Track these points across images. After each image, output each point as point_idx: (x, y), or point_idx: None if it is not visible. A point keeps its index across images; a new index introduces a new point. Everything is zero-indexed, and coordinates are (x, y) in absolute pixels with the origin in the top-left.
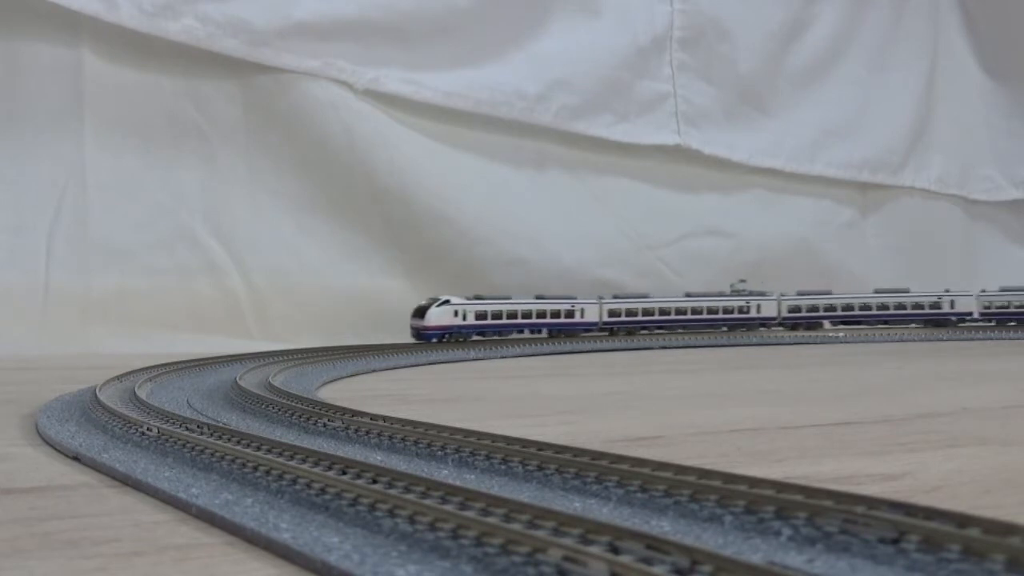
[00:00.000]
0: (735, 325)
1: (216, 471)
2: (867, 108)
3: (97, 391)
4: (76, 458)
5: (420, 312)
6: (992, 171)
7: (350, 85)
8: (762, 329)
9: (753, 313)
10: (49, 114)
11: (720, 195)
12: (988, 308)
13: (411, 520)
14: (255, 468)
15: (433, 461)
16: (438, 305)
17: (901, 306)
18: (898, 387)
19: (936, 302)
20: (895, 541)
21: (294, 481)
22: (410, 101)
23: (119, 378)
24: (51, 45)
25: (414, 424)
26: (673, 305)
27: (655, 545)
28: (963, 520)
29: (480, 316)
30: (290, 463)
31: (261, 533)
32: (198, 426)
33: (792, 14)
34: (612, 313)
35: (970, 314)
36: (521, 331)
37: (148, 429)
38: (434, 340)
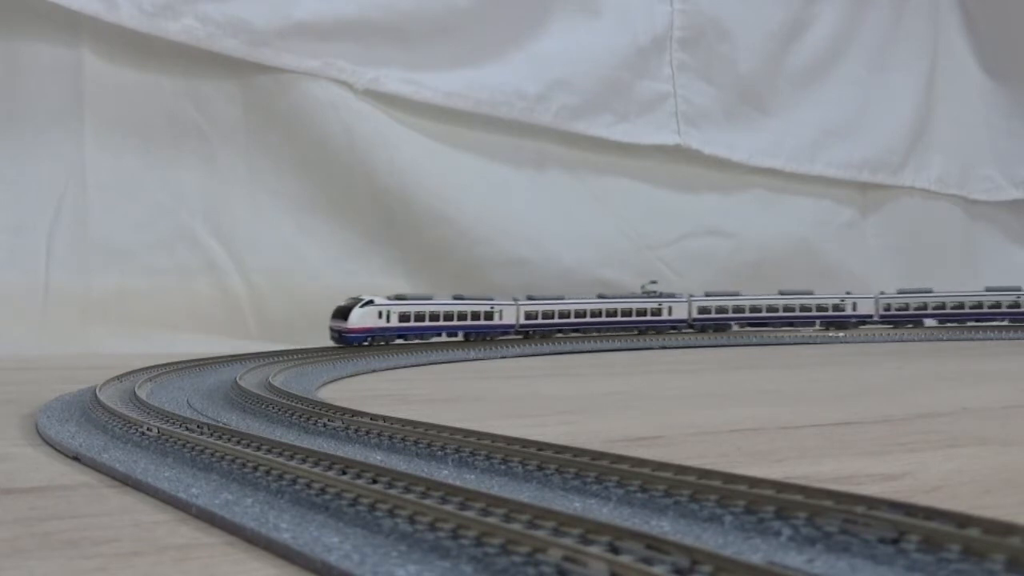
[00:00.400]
0: (647, 327)
1: (216, 471)
2: (867, 108)
3: (97, 391)
4: (76, 458)
5: (342, 313)
6: (992, 171)
7: (350, 85)
8: (672, 331)
9: (665, 315)
10: (49, 114)
11: (720, 195)
12: (888, 310)
13: (411, 520)
14: (255, 468)
15: (433, 461)
16: (362, 305)
17: (806, 308)
18: (898, 387)
19: (839, 304)
20: (895, 541)
21: (294, 481)
22: (410, 101)
23: (119, 378)
24: (51, 45)
25: (414, 424)
26: (588, 307)
27: (655, 545)
28: (963, 520)
29: (404, 318)
30: (290, 463)
31: (261, 533)
32: (198, 426)
33: (792, 14)
34: (529, 315)
35: (871, 316)
36: (439, 334)
37: (148, 429)
38: (357, 344)
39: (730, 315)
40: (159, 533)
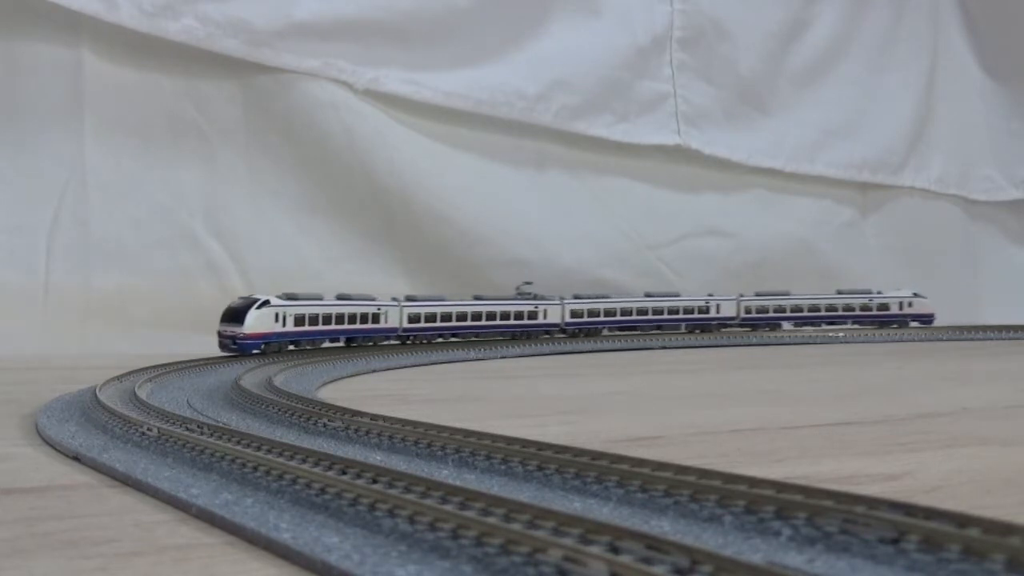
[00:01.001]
0: (520, 331)
1: (216, 471)
2: (867, 108)
3: (97, 391)
4: (76, 458)
5: (235, 315)
6: (992, 171)
7: (350, 85)
8: (545, 336)
9: (540, 319)
10: (49, 114)
11: (720, 195)
12: (749, 312)
13: (411, 520)
14: (255, 468)
15: (433, 461)
16: (258, 307)
17: (673, 310)
18: (898, 387)
19: (704, 306)
20: (895, 541)
21: (294, 481)
22: (410, 101)
23: (119, 378)
24: (51, 45)
25: (414, 424)
26: (469, 309)
27: (655, 545)
28: (963, 520)
29: (299, 321)
30: (290, 463)
31: (261, 533)
32: (198, 426)
33: (792, 14)
34: (412, 318)
35: (733, 318)
36: (336, 339)
37: (148, 429)
38: (249, 352)
39: (601, 319)
40: (159, 533)
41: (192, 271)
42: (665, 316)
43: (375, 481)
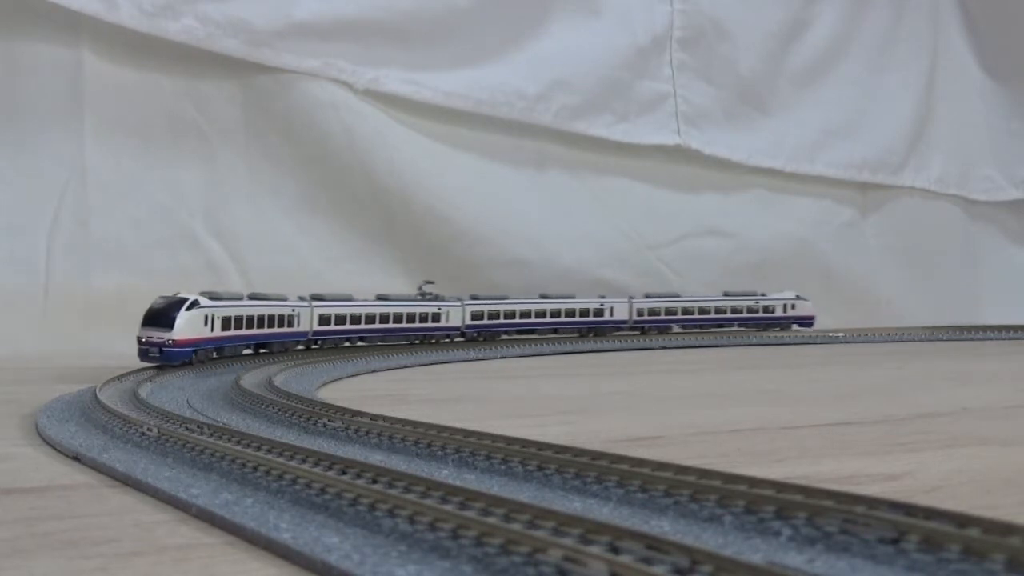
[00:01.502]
0: (420, 336)
1: (216, 471)
2: (867, 108)
3: (97, 391)
4: (76, 458)
5: (161, 318)
6: (992, 171)
7: (350, 85)
8: (446, 340)
9: (443, 322)
10: (49, 114)
11: (720, 195)
12: (640, 315)
13: (411, 520)
14: (255, 468)
15: (433, 461)
16: (188, 308)
17: (570, 312)
18: (898, 387)
19: (599, 309)
20: (895, 541)
21: (294, 481)
22: (410, 101)
23: (119, 378)
24: (51, 45)
25: (414, 424)
26: (377, 311)
27: (655, 545)
28: (963, 520)
29: (225, 324)
30: (290, 463)
31: (261, 533)
32: (198, 426)
33: (792, 14)
34: (323, 320)
35: (625, 322)
36: (245, 347)
37: (148, 429)
38: (179, 363)
39: (501, 321)
40: (159, 533)
41: (192, 271)
42: (562, 319)
43: (375, 481)
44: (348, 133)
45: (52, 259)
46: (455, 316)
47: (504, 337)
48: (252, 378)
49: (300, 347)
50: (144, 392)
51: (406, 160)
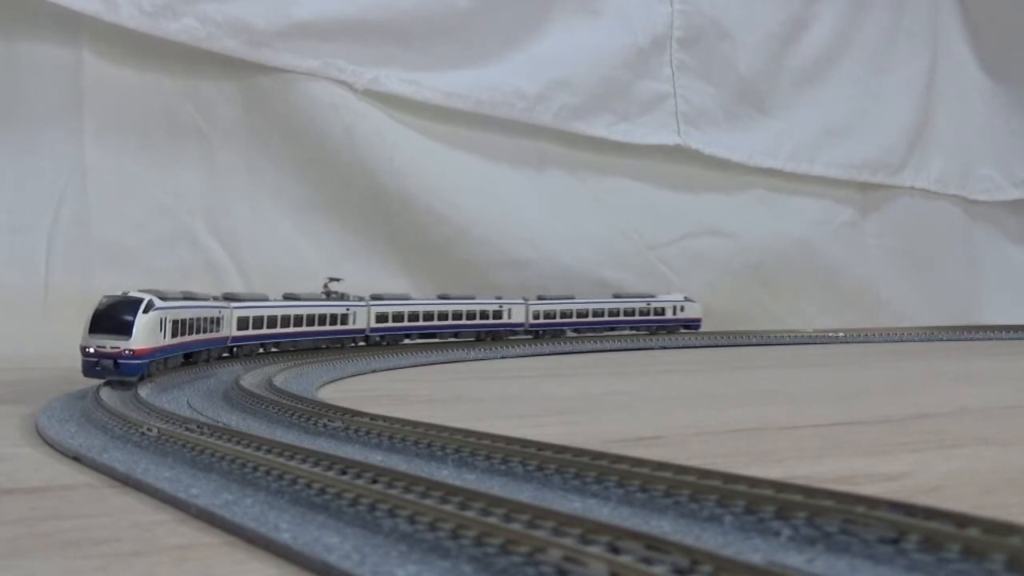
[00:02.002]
0: (329, 340)
1: (216, 471)
2: (867, 108)
3: (97, 391)
4: (76, 458)
5: (114, 323)
6: (992, 171)
7: (350, 85)
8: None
9: (351, 324)
10: (49, 114)
11: (720, 195)
12: (537, 318)
13: (411, 520)
14: (255, 468)
15: (433, 461)
16: (145, 310)
17: (471, 315)
18: (898, 387)
19: (498, 310)
20: (895, 541)
21: (294, 481)
22: (410, 101)
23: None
24: (51, 45)
25: (414, 424)
26: (292, 313)
27: (655, 545)
28: (963, 520)
29: (175, 329)
30: (290, 463)
31: (261, 533)
32: (198, 426)
33: (792, 14)
34: (241, 323)
35: (522, 324)
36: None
37: (148, 429)
38: (134, 377)
39: (405, 323)
40: (159, 533)
41: (192, 271)
42: (463, 321)
43: (375, 481)
44: (348, 133)
45: (52, 259)
46: (361, 318)
47: (407, 342)
48: (252, 378)
49: (226, 354)
50: (144, 392)
51: (406, 160)
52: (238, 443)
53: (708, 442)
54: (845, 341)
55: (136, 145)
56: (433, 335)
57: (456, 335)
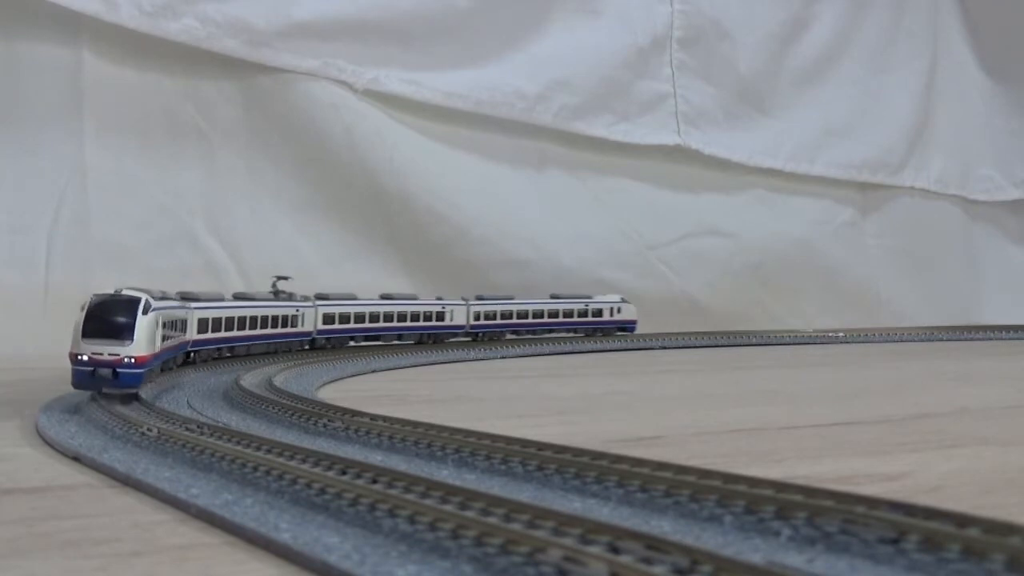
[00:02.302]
0: (277, 344)
1: (216, 471)
2: (867, 108)
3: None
4: (76, 458)
5: (110, 327)
6: (992, 171)
7: (350, 85)
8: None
9: (299, 326)
10: (49, 114)
11: (720, 195)
12: (478, 319)
13: (411, 520)
14: (255, 468)
15: (433, 461)
16: (145, 311)
17: (415, 316)
18: (898, 387)
19: (441, 312)
20: (895, 541)
21: (294, 481)
22: (410, 101)
23: None
24: (51, 45)
25: (414, 424)
26: (247, 314)
27: (655, 545)
28: (963, 520)
29: (167, 332)
30: (290, 463)
31: (261, 533)
32: (198, 426)
33: (792, 14)
34: (201, 326)
35: (463, 326)
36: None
37: (148, 429)
38: (132, 388)
39: (351, 325)
40: (159, 533)
41: (192, 271)
42: (408, 323)
43: (375, 481)
44: (348, 133)
45: (52, 259)
46: (308, 319)
47: (352, 345)
48: (252, 378)
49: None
50: (144, 392)
51: (406, 160)
52: (238, 443)
53: (708, 442)
54: (845, 341)
55: (136, 145)
56: (377, 337)
57: (399, 338)
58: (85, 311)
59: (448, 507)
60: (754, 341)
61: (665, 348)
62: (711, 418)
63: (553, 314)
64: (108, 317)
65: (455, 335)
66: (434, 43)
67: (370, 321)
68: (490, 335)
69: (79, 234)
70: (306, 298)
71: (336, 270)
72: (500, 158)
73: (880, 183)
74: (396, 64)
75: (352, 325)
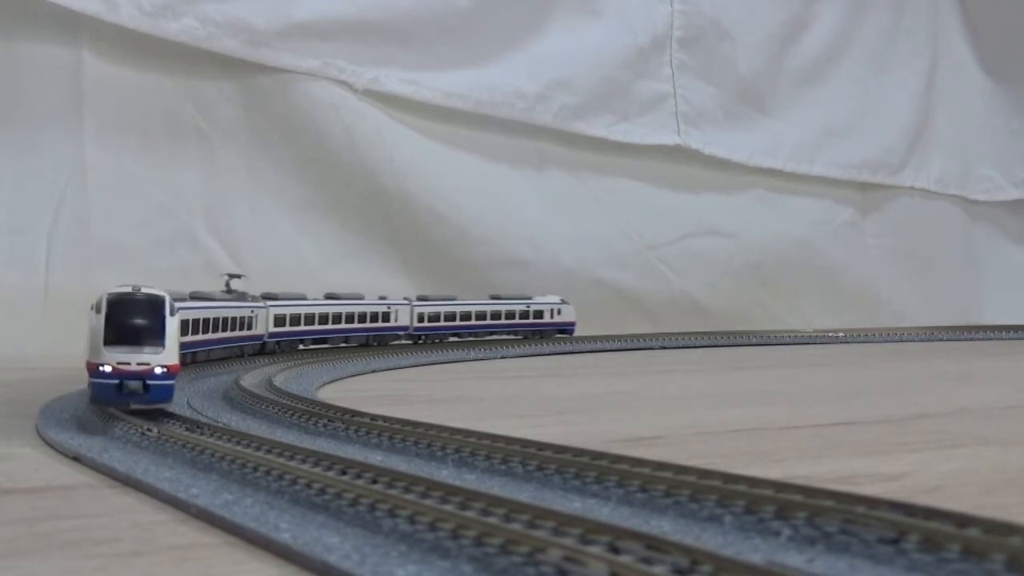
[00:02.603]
0: (231, 348)
1: (216, 471)
2: (867, 108)
3: None
4: (76, 458)
5: (139, 331)
6: (992, 171)
7: (350, 85)
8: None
9: (253, 329)
10: (49, 114)
11: (720, 195)
12: (422, 320)
13: (411, 520)
14: (255, 468)
15: (433, 461)
16: (171, 312)
17: (362, 317)
18: (898, 387)
19: (387, 312)
20: (895, 541)
21: (294, 481)
22: (410, 101)
23: None
24: (51, 45)
25: (414, 424)
26: (211, 316)
27: (655, 545)
28: (963, 520)
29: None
30: (290, 463)
31: (261, 533)
32: (198, 426)
33: (792, 14)
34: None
35: (407, 328)
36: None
37: (148, 429)
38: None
39: (301, 327)
40: (159, 533)
41: (192, 271)
42: (355, 325)
43: (375, 481)
44: (348, 133)
45: (52, 259)
46: (261, 322)
47: (302, 348)
48: (252, 378)
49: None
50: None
51: (406, 160)
52: (238, 443)
53: (708, 442)
54: (845, 341)
55: (136, 145)
56: (324, 340)
57: (347, 340)
58: (104, 313)
59: (448, 507)
60: (754, 341)
61: (665, 348)
62: (711, 418)
63: (496, 315)
64: (134, 320)
65: (398, 336)
66: (434, 43)
67: (319, 323)
68: (432, 338)
69: (79, 234)
70: (255, 298)
71: (336, 270)
72: (500, 158)
73: (880, 183)
74: (396, 64)
75: (302, 327)
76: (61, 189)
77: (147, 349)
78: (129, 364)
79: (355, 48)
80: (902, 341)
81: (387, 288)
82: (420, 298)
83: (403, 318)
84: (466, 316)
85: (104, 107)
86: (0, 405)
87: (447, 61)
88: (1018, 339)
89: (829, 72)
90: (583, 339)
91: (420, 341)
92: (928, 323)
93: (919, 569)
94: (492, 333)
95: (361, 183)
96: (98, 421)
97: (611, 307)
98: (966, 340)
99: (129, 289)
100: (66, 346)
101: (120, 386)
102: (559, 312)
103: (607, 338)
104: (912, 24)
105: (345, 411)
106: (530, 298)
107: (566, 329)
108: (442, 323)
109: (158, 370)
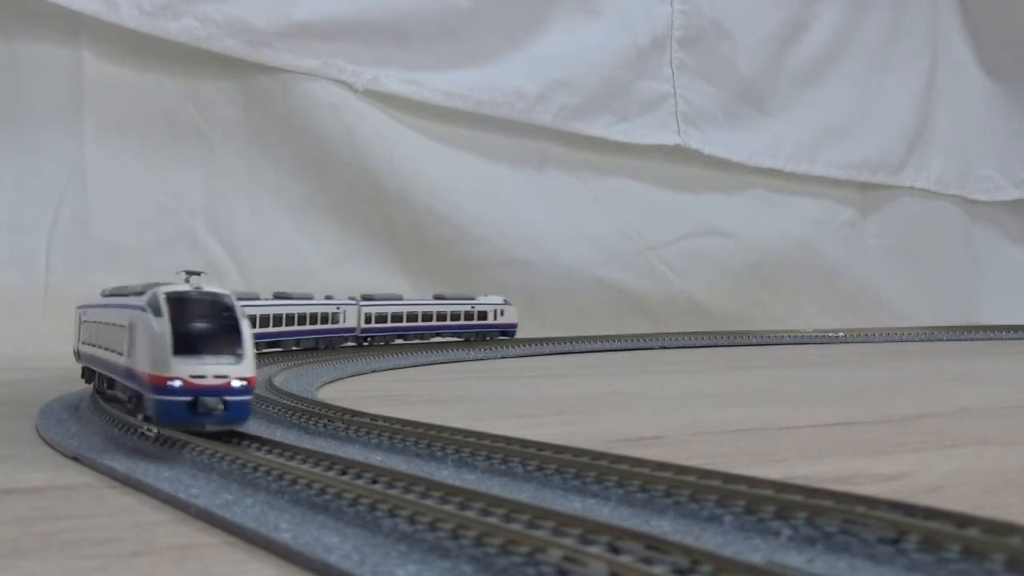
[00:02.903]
0: None
1: (216, 471)
2: (867, 108)
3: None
4: (76, 458)
5: (214, 338)
6: (992, 171)
7: (350, 85)
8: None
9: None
10: (49, 114)
11: (720, 195)
12: (369, 321)
13: (411, 520)
14: (255, 468)
15: (433, 461)
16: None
17: (314, 318)
18: (898, 387)
19: (336, 313)
20: (895, 541)
21: (294, 481)
22: (410, 101)
23: None
24: (51, 45)
25: (414, 424)
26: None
27: (655, 545)
28: (963, 520)
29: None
30: (290, 463)
31: (261, 533)
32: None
33: (792, 14)
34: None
35: (354, 329)
36: None
37: (148, 430)
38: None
39: (256, 330)
40: (159, 533)
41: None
42: (307, 327)
43: (375, 481)
44: (348, 133)
45: (52, 259)
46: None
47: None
48: None
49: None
50: None
51: (406, 160)
52: (238, 443)
53: (708, 442)
54: (845, 341)
55: (136, 145)
56: (277, 343)
57: (297, 343)
58: (168, 316)
59: (448, 507)
60: (754, 341)
61: (665, 348)
62: (711, 418)
63: (441, 316)
64: (206, 325)
65: (345, 339)
66: (434, 43)
67: (273, 324)
68: (378, 341)
69: (79, 234)
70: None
71: (336, 270)
72: (500, 158)
73: (880, 183)
74: (396, 64)
75: (257, 329)
76: (61, 189)
77: (223, 359)
78: (204, 377)
79: (355, 48)
80: (902, 341)
81: (387, 288)
82: (365, 297)
83: (351, 319)
84: (412, 317)
85: (104, 107)
86: (0, 405)
87: (447, 61)
88: (1018, 339)
89: (829, 72)
90: (583, 339)
91: (365, 344)
92: (928, 323)
93: (919, 569)
94: (438, 335)
95: (361, 183)
96: (98, 421)
97: (611, 307)
98: (966, 340)
99: (186, 286)
100: (66, 346)
101: (194, 404)
102: (502, 313)
103: (607, 338)
104: (912, 24)
105: (345, 411)
106: (474, 298)
107: (507, 331)
108: (389, 324)
109: (236, 383)
